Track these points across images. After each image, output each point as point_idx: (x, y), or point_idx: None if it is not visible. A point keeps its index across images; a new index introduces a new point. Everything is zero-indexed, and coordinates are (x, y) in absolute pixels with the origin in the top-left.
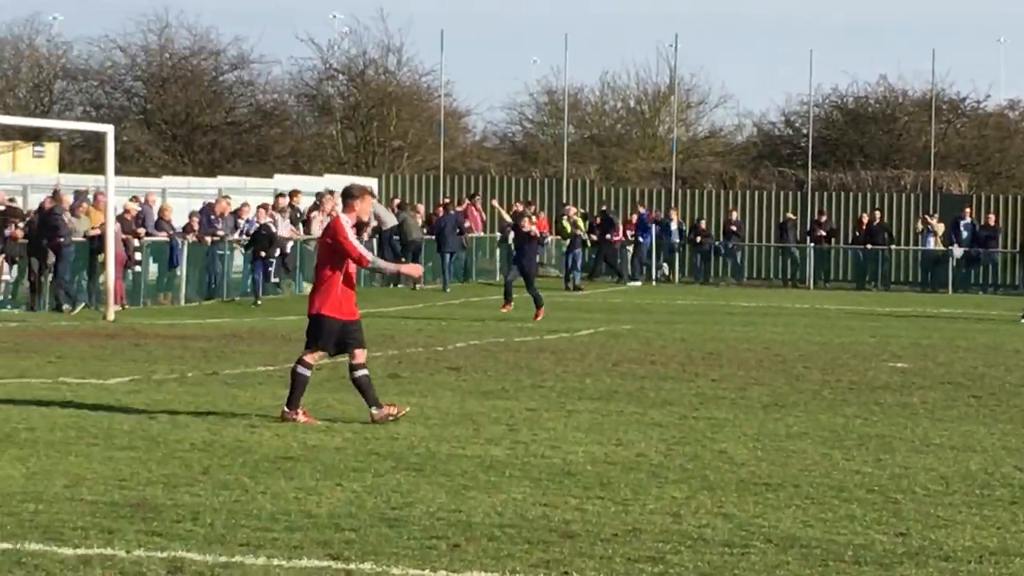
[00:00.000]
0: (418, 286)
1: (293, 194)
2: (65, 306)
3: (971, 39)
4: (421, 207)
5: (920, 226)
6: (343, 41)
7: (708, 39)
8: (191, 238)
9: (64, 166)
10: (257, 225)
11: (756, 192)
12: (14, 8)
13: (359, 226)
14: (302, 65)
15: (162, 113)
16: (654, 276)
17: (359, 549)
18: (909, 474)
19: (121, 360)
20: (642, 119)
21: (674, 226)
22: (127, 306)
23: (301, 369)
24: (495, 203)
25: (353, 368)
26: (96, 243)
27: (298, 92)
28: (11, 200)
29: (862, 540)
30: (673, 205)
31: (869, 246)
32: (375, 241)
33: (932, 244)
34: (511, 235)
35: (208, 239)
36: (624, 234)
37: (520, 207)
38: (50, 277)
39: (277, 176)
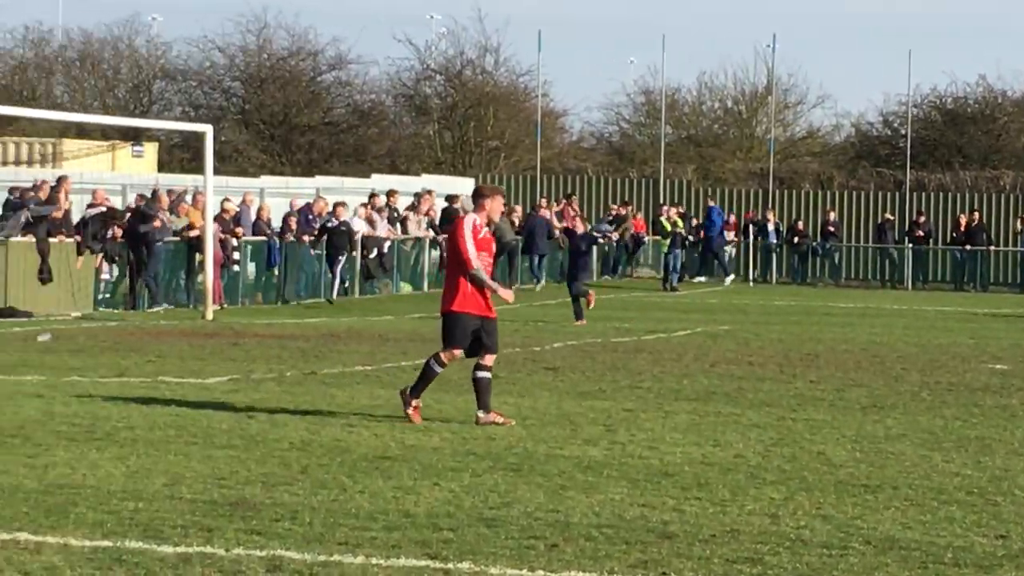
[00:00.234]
0: (513, 287)
1: (390, 194)
2: (155, 307)
3: None
4: (519, 208)
5: (1019, 227)
6: (441, 41)
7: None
8: (288, 237)
9: (163, 166)
10: (336, 223)
11: (854, 193)
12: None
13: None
14: (400, 65)
15: (260, 113)
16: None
17: (457, 549)
18: (1009, 476)
19: (220, 359)
20: (739, 119)
21: (771, 227)
22: (225, 305)
23: (433, 363)
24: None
25: (478, 367)
26: (194, 243)
27: (395, 92)
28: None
29: (962, 542)
30: (770, 206)
31: (968, 247)
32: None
33: None
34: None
35: (306, 238)
36: (722, 233)
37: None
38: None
39: (374, 176)
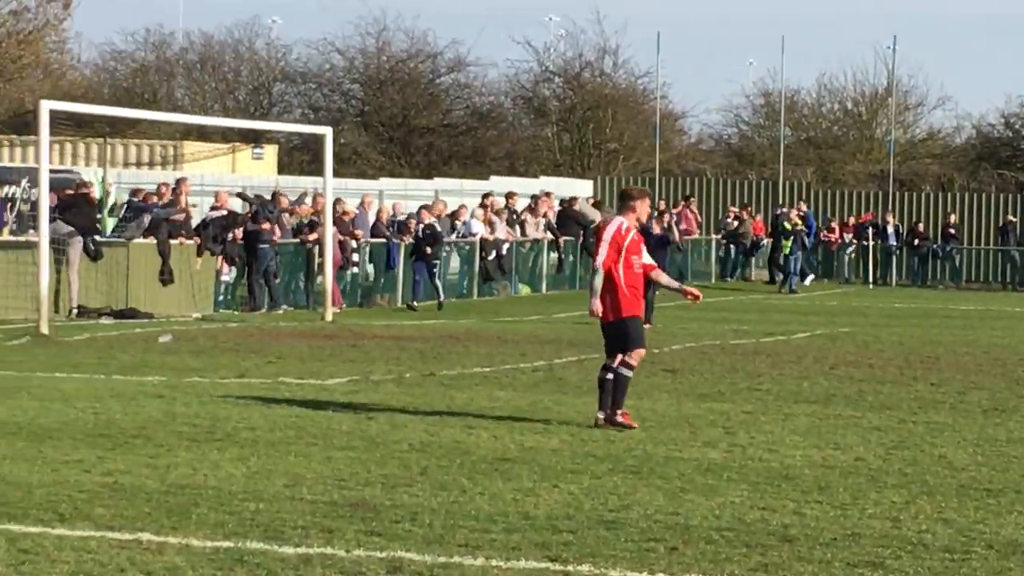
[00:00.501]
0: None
1: (509, 196)
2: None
3: None
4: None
5: None
6: (559, 43)
7: (927, 39)
8: (407, 239)
9: (282, 168)
10: (422, 226)
11: (975, 194)
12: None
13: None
14: (518, 67)
15: (379, 115)
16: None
17: (577, 551)
18: None
19: (339, 361)
20: (859, 121)
21: (891, 229)
22: (345, 307)
23: (623, 370)
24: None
25: (606, 368)
26: (313, 245)
27: (514, 94)
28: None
29: None
30: (889, 208)
31: None
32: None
33: None
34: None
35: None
36: (841, 236)
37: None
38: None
39: (493, 178)
